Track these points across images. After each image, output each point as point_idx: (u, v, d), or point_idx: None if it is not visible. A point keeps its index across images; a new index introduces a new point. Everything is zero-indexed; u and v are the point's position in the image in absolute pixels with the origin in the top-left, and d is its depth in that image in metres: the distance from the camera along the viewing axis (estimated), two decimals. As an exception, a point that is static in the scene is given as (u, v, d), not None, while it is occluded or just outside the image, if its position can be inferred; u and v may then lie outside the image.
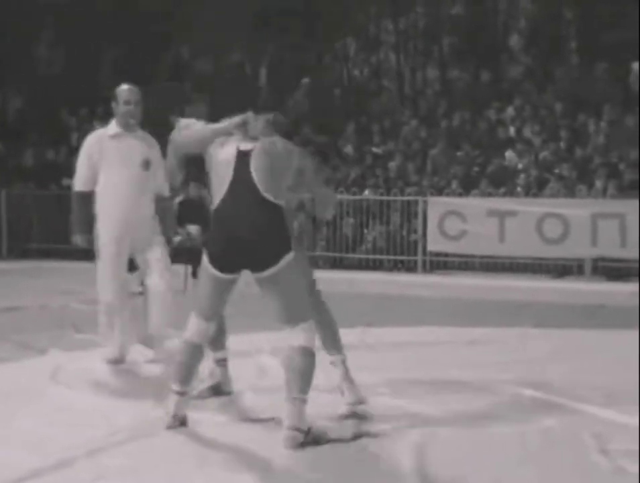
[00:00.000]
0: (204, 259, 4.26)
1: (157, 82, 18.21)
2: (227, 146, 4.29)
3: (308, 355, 4.17)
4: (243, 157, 4.23)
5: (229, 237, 4.16)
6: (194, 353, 4.36)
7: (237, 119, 4.33)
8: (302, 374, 4.14)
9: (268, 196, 4.19)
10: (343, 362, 4.77)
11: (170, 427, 4.30)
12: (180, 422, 4.34)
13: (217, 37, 17.80)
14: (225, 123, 4.35)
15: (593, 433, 4.33)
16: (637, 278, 11.35)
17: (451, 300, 9.86)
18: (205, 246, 4.34)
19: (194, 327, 4.35)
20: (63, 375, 5.60)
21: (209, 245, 4.28)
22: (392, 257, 13.56)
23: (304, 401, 4.13)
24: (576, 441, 4.22)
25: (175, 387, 4.34)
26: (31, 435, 4.29)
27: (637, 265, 11.78)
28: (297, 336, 4.19)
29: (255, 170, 4.20)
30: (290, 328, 4.21)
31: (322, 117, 16.67)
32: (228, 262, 4.21)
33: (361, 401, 4.70)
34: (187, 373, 4.35)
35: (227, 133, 4.32)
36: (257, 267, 4.18)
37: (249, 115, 4.36)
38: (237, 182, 4.19)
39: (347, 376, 4.75)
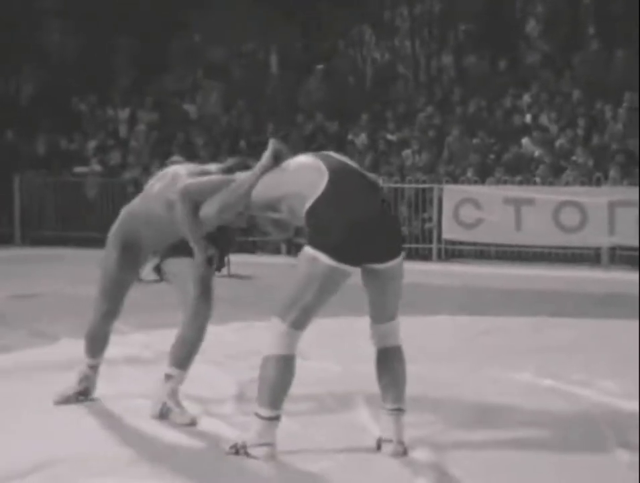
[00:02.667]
0: (313, 253, 3.71)
1: (169, 69, 18.19)
2: (283, 170, 3.98)
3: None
4: (326, 156, 3.97)
5: (365, 221, 3.72)
6: (293, 368, 3.83)
7: (268, 157, 4.03)
8: (404, 376, 3.99)
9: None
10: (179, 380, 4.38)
11: (268, 457, 3.77)
12: (273, 454, 3.78)
13: (230, 24, 17.72)
14: (256, 169, 4.04)
15: (611, 423, 4.25)
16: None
17: (466, 289, 9.79)
18: (323, 237, 3.73)
19: (294, 338, 3.80)
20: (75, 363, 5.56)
21: (334, 236, 3.70)
22: (406, 245, 13.48)
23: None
24: (594, 432, 4.16)
25: (269, 412, 3.77)
26: (40, 425, 4.25)
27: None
28: (397, 333, 4.03)
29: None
30: (390, 322, 4.00)
31: (336, 104, 16.58)
32: (358, 252, 3.73)
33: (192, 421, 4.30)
34: (284, 394, 3.81)
35: (266, 172, 4.02)
36: (385, 257, 3.82)
37: (276, 144, 4.10)
38: (337, 177, 3.79)
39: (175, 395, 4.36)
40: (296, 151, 4.25)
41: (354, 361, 5.55)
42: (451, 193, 13.06)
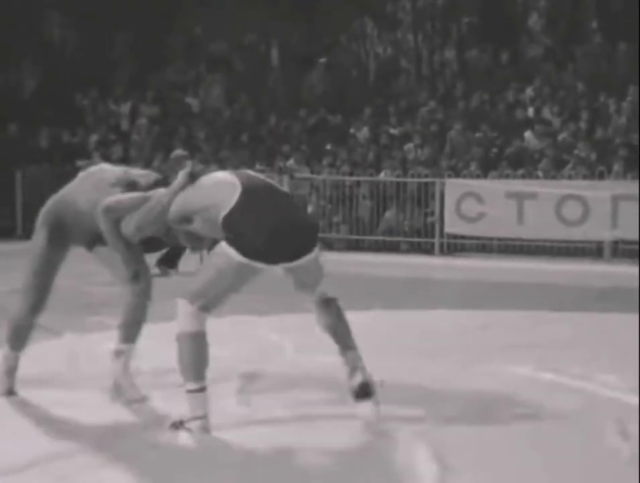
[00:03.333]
0: (231, 253, 4.03)
1: (171, 63, 18.16)
2: (197, 187, 4.28)
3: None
4: (239, 173, 4.32)
5: (278, 227, 4.06)
6: (206, 342, 4.09)
7: (184, 176, 4.30)
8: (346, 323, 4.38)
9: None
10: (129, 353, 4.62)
11: (202, 430, 3.99)
12: (206, 426, 4.01)
13: (231, 16, 17.69)
14: (173, 187, 4.30)
15: (613, 417, 4.25)
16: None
17: (468, 283, 9.78)
18: (239, 240, 4.06)
19: (202, 318, 4.08)
20: (77, 357, 5.58)
21: (249, 239, 4.04)
22: (408, 239, 13.47)
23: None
24: (596, 426, 4.14)
25: (196, 385, 4.02)
26: (47, 418, 4.26)
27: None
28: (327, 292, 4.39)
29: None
30: (319, 286, 4.35)
31: (338, 98, 16.57)
32: (278, 252, 4.09)
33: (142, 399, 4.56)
34: (205, 366, 4.07)
35: (182, 190, 4.29)
36: (295, 256, 4.16)
37: (195, 166, 4.44)
38: (249, 189, 4.14)
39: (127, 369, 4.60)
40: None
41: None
42: (454, 187, 13.05)
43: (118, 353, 4.59)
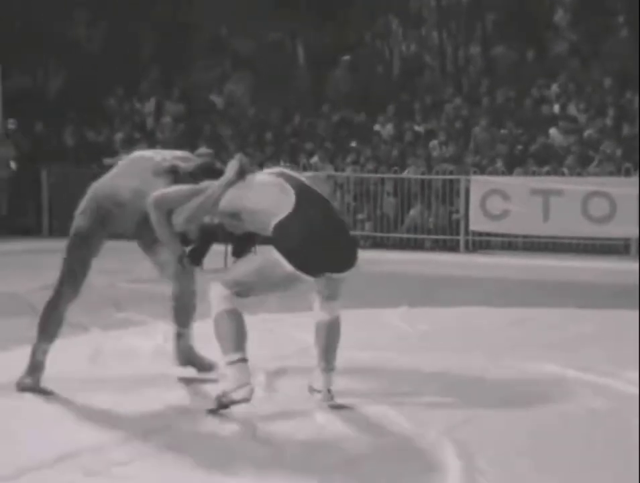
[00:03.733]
0: (282, 262, 4.15)
1: (196, 61, 18.21)
2: (250, 186, 4.37)
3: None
4: (288, 177, 4.42)
5: (328, 240, 4.22)
6: (243, 319, 4.28)
7: (235, 172, 4.38)
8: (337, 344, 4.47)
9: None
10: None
11: (249, 395, 4.16)
12: (252, 390, 4.20)
13: (255, 15, 17.70)
14: (223, 182, 4.38)
15: (637, 414, 4.22)
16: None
17: (493, 281, 9.74)
18: (290, 250, 4.17)
19: (236, 301, 4.24)
20: (103, 354, 5.60)
21: (301, 251, 4.17)
22: (433, 236, 13.44)
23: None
24: (622, 423, 4.13)
25: (236, 355, 4.17)
26: (70, 415, 4.28)
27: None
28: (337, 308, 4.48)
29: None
30: (335, 301, 4.44)
31: (362, 95, 16.54)
32: (325, 264, 4.26)
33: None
34: (244, 338, 4.25)
35: (232, 185, 4.38)
36: (342, 268, 4.33)
37: (243, 159, 4.47)
38: (302, 197, 4.26)
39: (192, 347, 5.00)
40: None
41: (380, 349, 5.56)
42: (479, 184, 13.00)
43: (179, 336, 4.93)
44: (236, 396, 4.12)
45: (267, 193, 4.29)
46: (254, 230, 4.42)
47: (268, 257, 4.22)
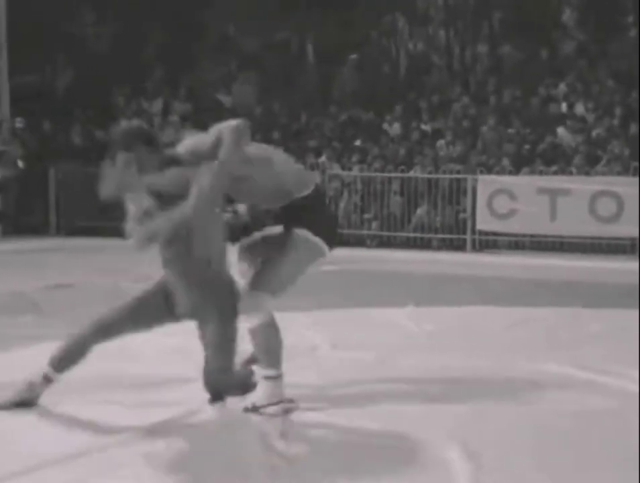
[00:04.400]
0: (318, 244, 4.11)
1: (203, 60, 18.21)
2: None
3: None
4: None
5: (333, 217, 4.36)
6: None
7: (234, 136, 4.08)
8: None
9: None
10: None
11: (287, 412, 4.14)
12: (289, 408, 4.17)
13: (263, 13, 17.70)
14: (227, 151, 4.05)
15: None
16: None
17: (500, 280, 9.71)
18: (316, 229, 4.14)
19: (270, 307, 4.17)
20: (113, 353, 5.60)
21: (328, 228, 4.19)
22: (440, 236, 13.43)
23: None
24: (626, 423, 4.11)
25: (277, 371, 4.14)
26: (81, 415, 4.29)
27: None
28: None
29: None
30: None
31: (370, 94, 16.53)
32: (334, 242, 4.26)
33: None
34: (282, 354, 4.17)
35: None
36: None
37: (244, 123, 4.19)
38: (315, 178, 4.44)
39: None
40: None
41: (387, 351, 5.56)
42: (485, 184, 12.98)
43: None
44: (271, 411, 4.12)
45: (290, 166, 4.22)
46: (246, 201, 4.22)
47: (296, 242, 4.10)
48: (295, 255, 4.14)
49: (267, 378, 4.13)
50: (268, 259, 4.19)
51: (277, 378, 4.13)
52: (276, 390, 4.12)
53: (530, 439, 3.94)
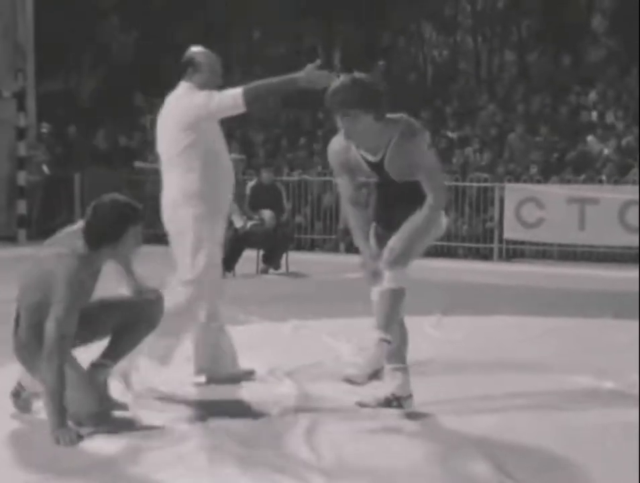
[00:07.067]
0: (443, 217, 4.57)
1: (227, 65, 18.22)
2: None
3: None
4: None
5: None
6: None
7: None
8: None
9: None
10: None
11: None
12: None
13: (289, 20, 17.70)
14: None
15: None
16: None
17: (527, 289, 9.60)
18: None
19: None
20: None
21: None
22: (467, 244, 13.30)
23: None
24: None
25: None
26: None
27: None
28: None
29: None
30: None
31: (396, 101, 16.45)
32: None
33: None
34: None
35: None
36: None
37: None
38: None
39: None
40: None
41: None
42: (513, 192, 12.85)
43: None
44: (405, 405, 4.25)
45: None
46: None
47: (432, 219, 4.40)
48: (432, 231, 4.48)
49: (397, 369, 4.23)
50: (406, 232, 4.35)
51: (406, 369, 4.27)
52: (407, 382, 4.28)
53: (558, 449, 3.87)
